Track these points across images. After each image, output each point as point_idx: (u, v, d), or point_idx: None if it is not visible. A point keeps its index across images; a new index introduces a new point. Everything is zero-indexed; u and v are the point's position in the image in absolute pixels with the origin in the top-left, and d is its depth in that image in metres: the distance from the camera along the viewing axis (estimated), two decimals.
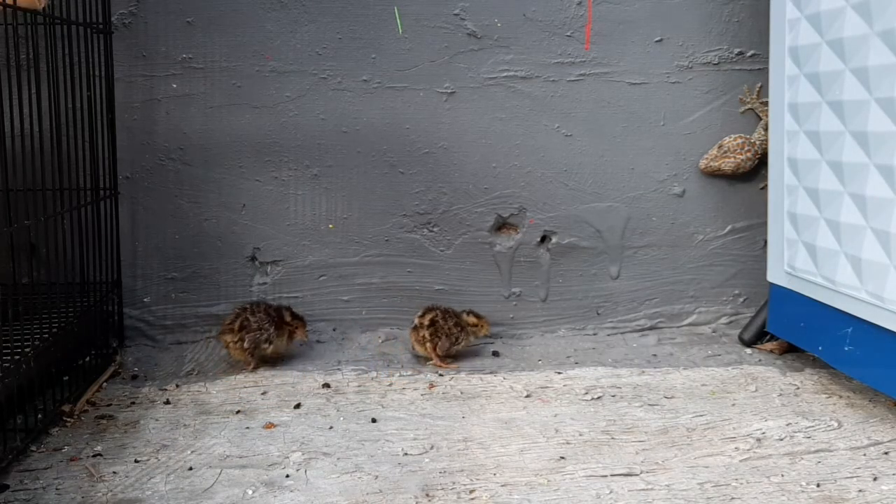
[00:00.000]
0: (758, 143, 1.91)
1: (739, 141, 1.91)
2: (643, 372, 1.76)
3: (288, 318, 1.77)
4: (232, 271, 1.92)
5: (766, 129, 1.91)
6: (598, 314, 2.00)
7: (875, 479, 1.29)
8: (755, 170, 1.95)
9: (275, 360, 1.78)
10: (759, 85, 1.92)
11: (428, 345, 1.78)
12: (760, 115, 1.92)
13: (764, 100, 1.91)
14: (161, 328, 1.91)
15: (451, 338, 1.79)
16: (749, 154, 1.90)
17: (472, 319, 1.84)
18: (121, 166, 1.84)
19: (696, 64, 1.93)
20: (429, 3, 1.87)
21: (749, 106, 1.92)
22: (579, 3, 1.89)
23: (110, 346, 1.81)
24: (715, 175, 1.95)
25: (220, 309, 1.92)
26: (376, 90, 1.89)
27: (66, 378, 1.59)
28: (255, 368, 1.74)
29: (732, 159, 1.91)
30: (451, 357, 1.81)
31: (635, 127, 1.94)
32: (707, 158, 1.93)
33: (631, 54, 1.92)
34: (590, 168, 1.95)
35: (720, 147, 1.92)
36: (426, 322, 1.79)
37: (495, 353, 1.88)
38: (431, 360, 1.79)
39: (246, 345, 1.72)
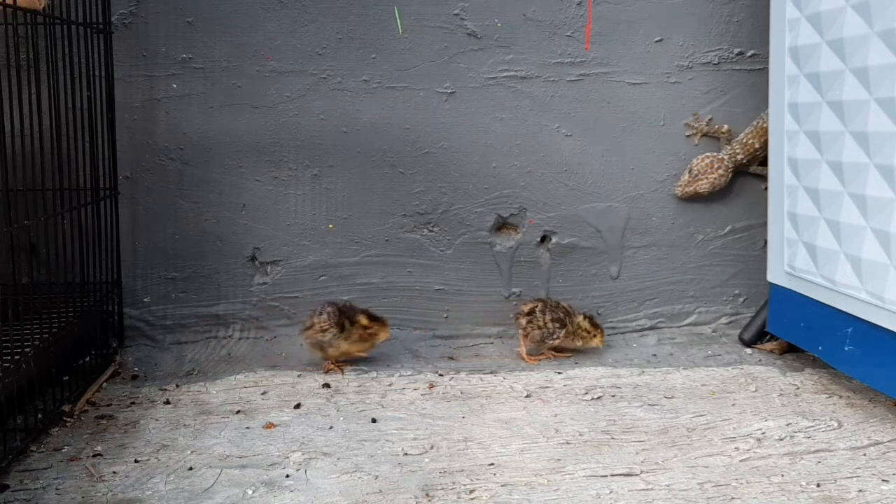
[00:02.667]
0: (727, 157, 1.92)
1: (708, 161, 1.92)
2: (643, 372, 1.76)
3: (365, 322, 1.76)
4: (232, 271, 1.92)
5: (730, 143, 1.92)
6: (598, 314, 1.99)
7: (875, 478, 1.29)
8: (733, 181, 1.95)
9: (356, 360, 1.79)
10: (704, 114, 1.93)
11: (521, 335, 1.85)
12: (717, 136, 1.93)
13: (707, 123, 1.92)
14: (161, 328, 1.91)
15: (544, 331, 1.82)
16: (721, 171, 1.91)
17: (585, 324, 1.85)
18: (121, 166, 1.84)
19: (696, 64, 1.93)
20: (429, 3, 1.87)
21: (696, 132, 1.93)
22: (579, 3, 1.89)
23: (110, 346, 1.81)
24: (693, 199, 1.95)
25: (220, 309, 1.92)
26: (376, 90, 1.89)
27: (66, 378, 1.59)
28: (335, 366, 1.76)
29: (706, 180, 1.91)
30: (557, 350, 1.85)
31: (635, 127, 1.94)
32: (681, 185, 1.94)
33: (631, 54, 1.92)
34: (590, 168, 1.95)
35: (690, 171, 1.93)
36: (526, 311, 1.84)
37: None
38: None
39: (309, 344, 1.75)
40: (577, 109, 1.93)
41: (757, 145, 1.90)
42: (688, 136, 1.94)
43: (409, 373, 1.75)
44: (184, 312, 1.92)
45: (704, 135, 1.93)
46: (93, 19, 1.68)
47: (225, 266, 1.92)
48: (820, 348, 1.69)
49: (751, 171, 1.94)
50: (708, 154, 1.92)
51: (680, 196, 1.95)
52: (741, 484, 1.27)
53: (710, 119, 1.93)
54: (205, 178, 1.89)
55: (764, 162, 1.90)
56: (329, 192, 1.91)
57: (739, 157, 1.91)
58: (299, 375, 1.73)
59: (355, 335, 1.75)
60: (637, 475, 1.30)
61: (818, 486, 1.26)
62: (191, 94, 1.86)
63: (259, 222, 1.91)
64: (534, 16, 1.89)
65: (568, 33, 1.90)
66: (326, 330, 1.73)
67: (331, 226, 1.93)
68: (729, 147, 1.92)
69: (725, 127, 1.92)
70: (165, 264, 1.90)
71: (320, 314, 1.75)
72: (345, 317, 1.75)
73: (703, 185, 1.91)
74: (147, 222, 1.89)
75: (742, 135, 1.92)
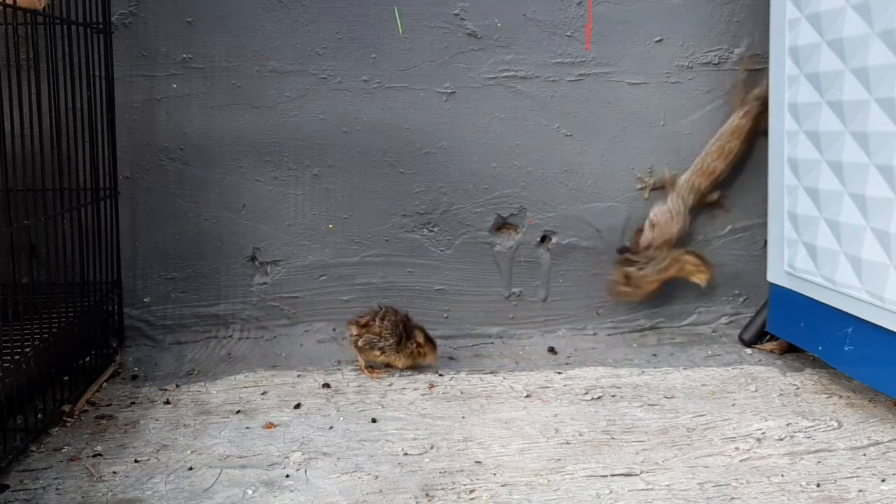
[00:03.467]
0: (674, 210, 1.90)
1: (666, 216, 1.91)
2: (643, 372, 1.76)
3: (421, 340, 1.74)
4: (232, 271, 1.92)
5: (673, 200, 1.91)
6: (598, 314, 2.00)
7: (875, 478, 1.29)
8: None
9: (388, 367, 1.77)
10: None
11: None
12: (663, 185, 1.93)
13: (651, 174, 1.93)
14: (161, 328, 1.91)
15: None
16: (679, 222, 1.90)
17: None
18: (121, 166, 1.84)
19: (696, 64, 1.93)
20: (429, 3, 1.87)
21: (645, 186, 1.94)
22: (579, 3, 1.89)
23: (110, 346, 1.81)
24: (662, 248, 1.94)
25: (220, 309, 1.92)
26: (376, 90, 1.89)
27: (66, 378, 1.59)
28: (367, 368, 1.74)
29: (668, 232, 1.91)
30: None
31: (635, 127, 1.94)
32: (648, 240, 1.92)
33: (631, 54, 1.92)
34: (590, 168, 1.95)
35: (653, 226, 1.92)
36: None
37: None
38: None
39: (360, 343, 1.73)
40: (577, 109, 1.93)
41: (704, 184, 1.91)
42: (639, 188, 1.94)
43: (409, 373, 1.75)
44: (184, 312, 1.92)
45: (655, 188, 1.94)
46: (93, 19, 1.68)
47: (225, 266, 1.92)
48: (820, 348, 1.69)
49: (708, 200, 1.95)
50: (663, 208, 1.92)
51: (650, 245, 1.92)
52: (741, 484, 1.27)
53: (651, 170, 1.93)
54: (205, 178, 1.89)
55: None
56: (329, 192, 1.91)
57: (690, 199, 1.92)
58: (299, 375, 1.73)
59: (407, 350, 1.73)
60: (637, 475, 1.30)
61: (818, 486, 1.26)
62: (191, 94, 1.86)
63: (259, 222, 1.91)
64: (534, 16, 1.89)
65: (568, 33, 1.90)
66: (384, 337, 1.71)
67: (331, 226, 1.93)
68: (673, 202, 1.91)
69: (668, 174, 1.92)
70: (165, 264, 1.90)
71: (383, 319, 1.72)
72: (403, 328, 1.73)
73: (665, 237, 1.91)
74: (147, 222, 1.89)
75: (686, 175, 1.92)
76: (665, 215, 1.90)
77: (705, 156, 1.91)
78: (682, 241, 1.93)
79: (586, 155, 1.95)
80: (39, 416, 1.44)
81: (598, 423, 1.50)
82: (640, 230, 1.93)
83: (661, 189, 1.94)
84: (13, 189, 1.27)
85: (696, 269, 1.90)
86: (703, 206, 1.94)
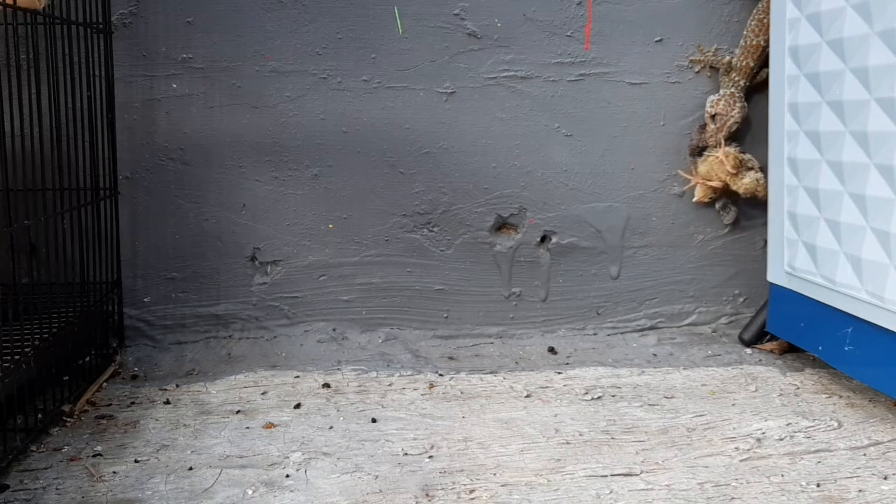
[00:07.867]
0: (728, 95, 1.89)
1: (723, 103, 1.88)
2: (643, 372, 1.76)
3: None
4: (232, 271, 1.92)
5: (728, 74, 1.89)
6: (598, 314, 2.00)
7: (875, 478, 1.29)
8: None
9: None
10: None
11: None
12: (718, 66, 1.90)
13: (714, 53, 1.90)
14: (161, 328, 1.91)
15: None
16: (737, 107, 1.87)
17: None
18: (121, 166, 1.84)
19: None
20: (429, 3, 1.87)
21: (703, 63, 1.91)
22: (579, 3, 1.89)
23: (110, 346, 1.81)
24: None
25: (220, 309, 1.92)
26: (376, 90, 1.89)
27: (66, 378, 1.59)
28: None
29: (730, 119, 1.87)
30: None
31: (635, 127, 1.94)
32: (711, 132, 1.89)
33: (631, 54, 1.92)
34: (590, 168, 1.95)
35: (712, 117, 1.89)
36: None
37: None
38: None
39: None
40: (577, 109, 1.93)
41: (751, 64, 1.88)
42: (697, 71, 1.91)
43: (409, 373, 1.75)
44: (184, 312, 1.92)
45: (711, 66, 1.91)
46: (93, 19, 1.68)
47: (225, 266, 1.92)
48: (820, 348, 1.69)
49: (758, 80, 1.91)
50: (718, 95, 1.90)
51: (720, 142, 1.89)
52: (741, 484, 1.27)
53: (717, 49, 1.91)
54: (205, 178, 1.89)
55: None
56: (329, 192, 1.91)
57: (742, 82, 1.89)
58: (299, 376, 1.73)
59: None
60: (637, 475, 1.30)
61: (818, 486, 1.26)
62: (191, 94, 1.86)
63: (259, 222, 1.91)
64: (534, 16, 1.89)
65: (568, 33, 1.90)
66: None
67: (331, 226, 1.93)
68: (728, 78, 1.89)
69: (727, 58, 1.90)
70: (165, 264, 1.90)
71: None
72: None
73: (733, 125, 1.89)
74: (147, 222, 1.89)
75: (735, 59, 1.89)
76: (722, 102, 1.88)
77: (747, 33, 1.87)
78: (741, 132, 1.91)
79: (586, 155, 1.95)
80: (39, 416, 1.44)
81: (598, 423, 1.50)
82: (702, 126, 1.92)
83: (715, 70, 1.91)
84: (13, 189, 1.27)
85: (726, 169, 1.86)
86: (754, 86, 1.91)
